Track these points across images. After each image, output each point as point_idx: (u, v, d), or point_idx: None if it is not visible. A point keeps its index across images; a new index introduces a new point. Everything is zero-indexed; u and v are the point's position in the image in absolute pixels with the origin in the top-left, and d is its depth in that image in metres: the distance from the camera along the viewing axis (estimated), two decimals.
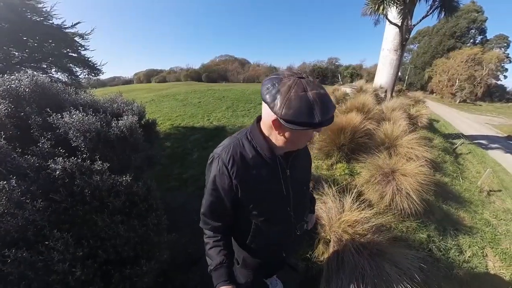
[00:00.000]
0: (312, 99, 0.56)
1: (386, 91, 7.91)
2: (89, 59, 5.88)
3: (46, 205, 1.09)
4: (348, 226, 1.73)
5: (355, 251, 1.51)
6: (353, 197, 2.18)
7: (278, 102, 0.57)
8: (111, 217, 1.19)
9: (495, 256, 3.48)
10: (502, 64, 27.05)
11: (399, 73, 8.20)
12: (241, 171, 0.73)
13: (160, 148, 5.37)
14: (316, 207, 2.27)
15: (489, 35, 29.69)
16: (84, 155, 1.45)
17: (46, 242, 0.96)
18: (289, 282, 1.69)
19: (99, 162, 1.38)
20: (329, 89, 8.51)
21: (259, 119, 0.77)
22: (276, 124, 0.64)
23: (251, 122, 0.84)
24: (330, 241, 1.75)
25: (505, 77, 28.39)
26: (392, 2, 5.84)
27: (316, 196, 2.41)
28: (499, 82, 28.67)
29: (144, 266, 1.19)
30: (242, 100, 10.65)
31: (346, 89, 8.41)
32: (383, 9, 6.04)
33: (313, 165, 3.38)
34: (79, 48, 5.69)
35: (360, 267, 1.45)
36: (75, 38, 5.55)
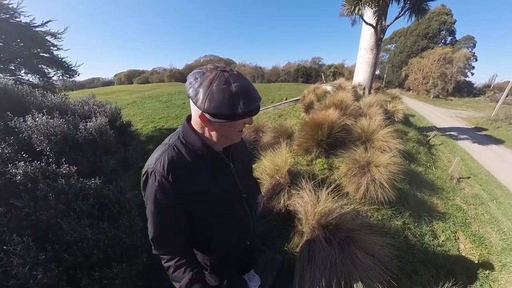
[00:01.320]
0: (235, 91, 0.56)
1: (364, 88, 8.26)
2: (63, 60, 5.59)
3: (5, 210, 1.04)
4: (321, 217, 1.81)
5: (325, 241, 1.57)
6: (330, 190, 2.26)
7: (200, 96, 0.56)
8: (78, 220, 1.16)
9: (466, 238, 3.78)
10: (470, 63, 29.28)
11: (378, 72, 8.60)
12: (183, 179, 0.67)
13: (142, 151, 5.24)
14: (293, 202, 2.36)
15: (458, 36, 32.10)
16: (50, 159, 1.40)
17: (5, 247, 0.92)
18: (267, 275, 1.74)
19: (66, 165, 1.34)
20: (310, 87, 8.73)
21: (189, 118, 0.73)
22: (203, 119, 0.62)
23: None
24: (304, 233, 1.82)
25: (472, 74, 30.77)
26: (367, 3, 6.13)
27: (294, 192, 2.50)
28: (467, 79, 31.04)
29: (115, 268, 1.18)
30: None
31: (327, 87, 8.66)
32: (358, 10, 6.31)
33: (293, 161, 3.45)
34: (51, 48, 5.39)
35: (330, 256, 1.50)
36: (46, 37, 5.25)
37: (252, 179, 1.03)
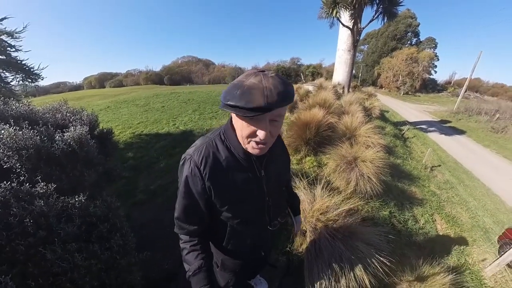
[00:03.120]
0: (245, 85, 0.57)
1: (343, 87, 8.63)
2: (23, 62, 4.99)
3: None
4: (320, 214, 1.83)
5: (329, 237, 1.61)
6: (323, 186, 2.30)
7: (231, 88, 0.59)
8: (64, 246, 1.01)
9: (441, 220, 4.18)
10: (433, 62, 32.14)
11: (354, 71, 9.04)
12: (213, 173, 0.71)
13: (121, 159, 4.89)
14: None
15: (422, 37, 35.14)
16: (22, 177, 1.22)
17: None
18: (273, 278, 1.71)
19: (42, 183, 1.16)
20: None
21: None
22: (234, 114, 0.65)
23: (220, 124, 0.82)
24: (306, 231, 1.82)
25: (435, 72, 33.79)
26: (344, 6, 6.42)
27: None
28: (431, 76, 34.06)
29: None
30: (208, 102, 10.40)
31: (309, 86, 8.89)
32: (336, 13, 6.60)
33: None
34: (8, 49, 4.78)
35: (336, 250, 1.55)
36: (1, 37, 4.64)
37: (282, 194, 0.98)
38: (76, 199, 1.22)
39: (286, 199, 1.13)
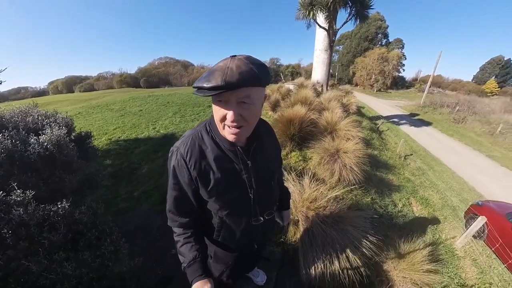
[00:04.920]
0: (212, 68, 0.60)
1: (322, 86, 8.98)
2: None
3: None
4: (310, 202, 1.91)
5: (321, 223, 1.68)
6: (310, 178, 2.40)
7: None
8: (50, 256, 0.93)
9: (416, 202, 4.58)
10: (401, 61, 34.89)
11: (331, 70, 9.42)
12: (199, 164, 0.71)
13: (100, 167, 4.59)
14: None
15: (390, 38, 37.92)
16: None
17: None
18: (270, 269, 1.74)
19: (19, 191, 1.06)
20: (274, 87, 9.03)
21: None
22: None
23: None
24: (298, 220, 1.89)
25: (404, 70, 36.86)
26: (319, 8, 6.70)
27: None
28: (400, 74, 36.92)
29: None
30: (189, 104, 10.13)
31: (289, 86, 9.09)
32: (313, 15, 6.86)
33: None
34: None
35: (328, 234, 1.63)
36: None
37: (272, 186, 0.94)
38: (59, 206, 1.13)
39: (276, 195, 1.08)
